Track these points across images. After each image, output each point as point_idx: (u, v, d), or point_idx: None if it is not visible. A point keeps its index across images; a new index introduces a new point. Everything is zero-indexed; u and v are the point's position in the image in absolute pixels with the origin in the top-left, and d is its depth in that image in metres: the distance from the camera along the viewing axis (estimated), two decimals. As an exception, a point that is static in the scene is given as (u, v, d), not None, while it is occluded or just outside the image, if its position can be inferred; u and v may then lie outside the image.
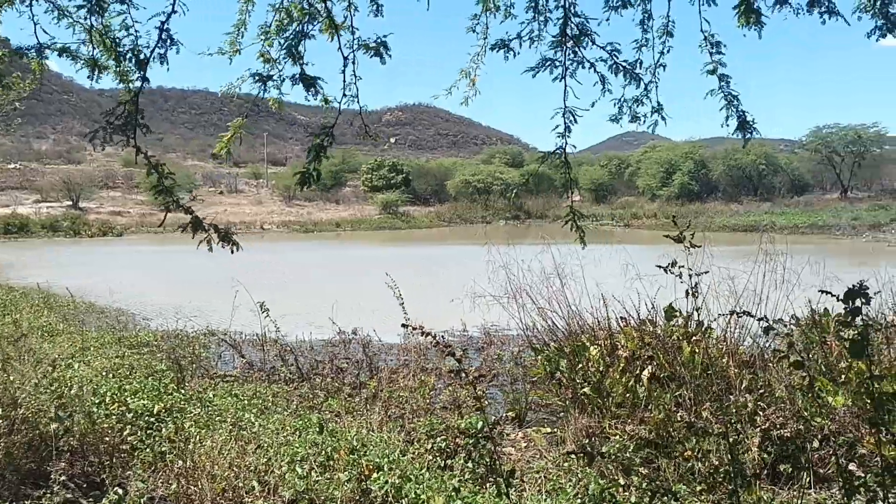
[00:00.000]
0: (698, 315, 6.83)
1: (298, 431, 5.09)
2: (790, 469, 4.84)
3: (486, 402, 7.35)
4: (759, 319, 3.55)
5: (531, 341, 8.52)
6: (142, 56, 3.19)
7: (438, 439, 4.95)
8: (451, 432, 5.09)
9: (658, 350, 6.88)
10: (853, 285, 2.60)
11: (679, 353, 6.69)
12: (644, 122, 4.16)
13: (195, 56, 3.89)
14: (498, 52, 3.90)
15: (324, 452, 4.39)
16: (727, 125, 4.05)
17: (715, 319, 6.74)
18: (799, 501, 4.42)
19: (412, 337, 10.96)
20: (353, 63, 3.36)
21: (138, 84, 3.19)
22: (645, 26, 3.98)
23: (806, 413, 5.27)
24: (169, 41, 3.18)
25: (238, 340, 10.03)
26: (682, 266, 6.12)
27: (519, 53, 3.91)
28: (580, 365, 7.06)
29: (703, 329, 7.33)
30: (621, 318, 8.06)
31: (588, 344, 7.41)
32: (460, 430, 4.97)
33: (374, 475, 3.94)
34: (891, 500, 3.17)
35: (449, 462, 4.75)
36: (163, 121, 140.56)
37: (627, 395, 6.23)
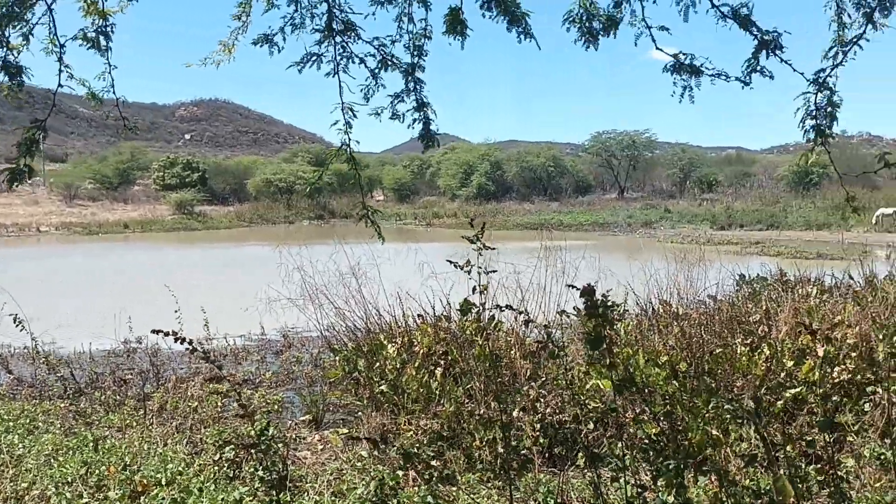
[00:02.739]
0: (487, 311, 7.14)
1: (71, 451, 4.67)
2: (565, 451, 5.19)
3: (282, 407, 7.23)
4: (520, 313, 3.77)
5: (330, 342, 8.47)
6: None
7: (227, 449, 4.77)
8: (242, 440, 4.92)
9: (452, 345, 7.11)
10: (587, 284, 2.83)
11: (471, 347, 6.95)
12: (403, 120, 4.18)
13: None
14: (262, 46, 3.79)
15: (97, 472, 4.07)
16: (413, 127, 4.17)
17: (492, 311, 7.08)
18: (563, 482, 4.75)
19: (205, 343, 10.49)
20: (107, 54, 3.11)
21: None
22: (400, 23, 3.99)
23: (582, 397, 5.68)
24: None
25: (5, 355, 9.05)
26: (473, 265, 6.33)
27: (283, 48, 3.81)
28: (378, 363, 7.12)
29: (493, 323, 7.68)
30: (418, 315, 8.23)
31: (386, 342, 7.50)
32: (250, 437, 4.81)
33: (154, 491, 3.71)
34: (653, 473, 3.48)
35: (238, 472, 4.60)
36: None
37: (422, 390, 6.37)
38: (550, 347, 3.25)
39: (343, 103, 3.84)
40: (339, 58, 3.84)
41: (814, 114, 3.87)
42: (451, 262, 6.07)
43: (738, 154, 79.69)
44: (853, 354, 6.10)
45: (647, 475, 3.07)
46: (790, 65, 3.86)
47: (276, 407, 6.98)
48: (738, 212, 42.60)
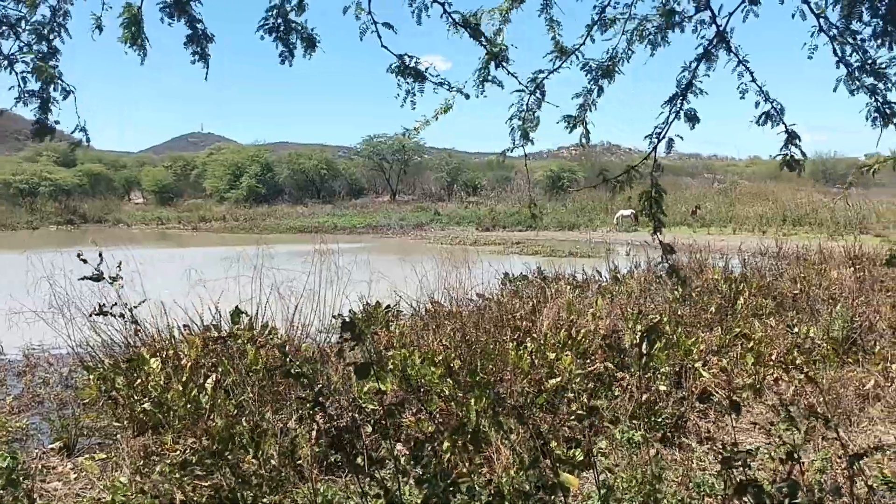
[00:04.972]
0: (261, 318, 6.91)
1: None
2: (342, 457, 5.13)
3: (27, 435, 6.44)
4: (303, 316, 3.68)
5: (83, 359, 7.69)
6: None
7: (-44, 489, 4.13)
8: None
9: (223, 356, 6.78)
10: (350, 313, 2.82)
11: (244, 356, 6.69)
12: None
13: None
14: None
15: None
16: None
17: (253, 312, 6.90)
18: (341, 488, 4.72)
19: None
20: None
21: None
22: (51, 27, 3.53)
23: (360, 401, 5.67)
24: None
25: None
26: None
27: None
28: (139, 380, 6.59)
29: (266, 331, 7.45)
30: (185, 325, 7.77)
31: (148, 356, 6.97)
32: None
33: None
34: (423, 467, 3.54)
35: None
36: None
37: (190, 406, 5.99)
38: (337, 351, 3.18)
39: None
40: None
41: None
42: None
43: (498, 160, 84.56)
44: (602, 346, 6.70)
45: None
46: (516, 77, 4.05)
47: (18, 435, 6.21)
48: (501, 214, 45.30)
